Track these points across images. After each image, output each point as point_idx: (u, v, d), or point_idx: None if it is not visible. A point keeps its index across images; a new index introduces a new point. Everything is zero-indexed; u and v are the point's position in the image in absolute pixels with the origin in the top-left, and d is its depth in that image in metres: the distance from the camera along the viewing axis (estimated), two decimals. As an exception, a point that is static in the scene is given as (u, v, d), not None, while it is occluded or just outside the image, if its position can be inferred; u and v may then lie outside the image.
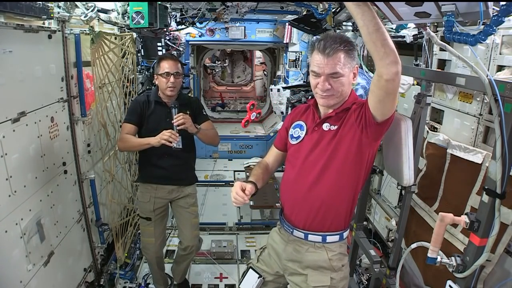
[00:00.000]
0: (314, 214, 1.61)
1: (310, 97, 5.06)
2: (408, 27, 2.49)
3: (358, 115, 1.50)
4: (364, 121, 1.47)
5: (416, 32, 2.40)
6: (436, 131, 2.28)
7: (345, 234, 1.70)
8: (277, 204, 4.22)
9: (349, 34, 3.42)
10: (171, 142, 2.20)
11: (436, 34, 1.60)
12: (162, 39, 3.61)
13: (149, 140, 2.27)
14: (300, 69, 5.79)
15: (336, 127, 1.57)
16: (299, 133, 1.68)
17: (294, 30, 5.46)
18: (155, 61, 2.59)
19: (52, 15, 2.02)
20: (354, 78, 1.56)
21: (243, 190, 1.54)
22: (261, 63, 9.05)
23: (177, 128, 2.24)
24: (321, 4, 3.06)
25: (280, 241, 1.77)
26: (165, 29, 3.57)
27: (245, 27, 5.53)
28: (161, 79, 2.35)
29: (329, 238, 1.64)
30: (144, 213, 2.59)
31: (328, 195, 1.58)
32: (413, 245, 1.84)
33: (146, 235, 2.64)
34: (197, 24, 4.34)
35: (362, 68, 3.11)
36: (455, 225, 1.91)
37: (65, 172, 2.30)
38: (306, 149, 1.62)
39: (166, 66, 2.33)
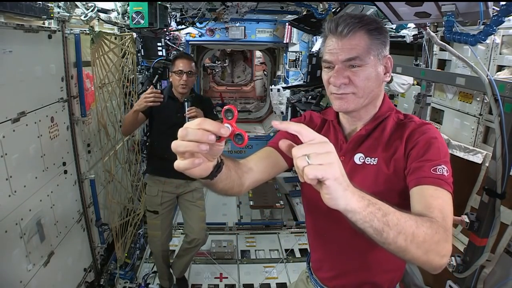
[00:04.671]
0: (348, 277, 1.19)
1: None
2: (408, 27, 2.49)
3: (411, 151, 1.00)
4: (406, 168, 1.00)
5: (416, 32, 2.40)
6: (436, 131, 2.28)
7: None
8: (277, 204, 4.22)
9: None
10: (155, 102, 2.28)
11: (436, 34, 1.60)
12: (162, 39, 3.61)
13: (134, 106, 2.36)
14: (300, 69, 5.79)
15: (375, 160, 1.05)
16: None
17: (294, 30, 5.46)
18: (171, 58, 2.66)
19: (52, 15, 2.01)
20: (387, 74, 1.06)
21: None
22: (261, 63, 9.05)
23: (189, 120, 2.30)
24: (321, 4, 3.07)
25: None
26: (165, 29, 3.57)
27: (245, 27, 5.53)
28: (175, 76, 2.46)
29: None
30: (152, 207, 2.68)
31: (368, 251, 1.12)
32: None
33: (153, 229, 2.72)
34: (197, 24, 4.34)
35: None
36: (455, 225, 1.91)
37: (65, 172, 2.30)
38: None
39: (180, 64, 2.44)
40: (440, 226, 0.81)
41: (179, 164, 0.72)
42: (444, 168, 0.93)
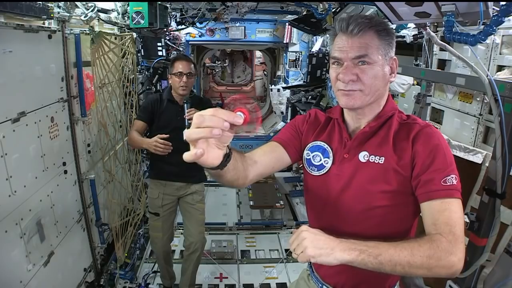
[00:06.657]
0: (348, 274, 1.20)
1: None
2: (408, 27, 2.49)
3: (417, 160, 1.02)
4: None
5: (416, 32, 2.40)
6: (436, 131, 2.28)
7: None
8: (277, 204, 4.22)
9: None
10: (163, 153, 2.34)
11: (436, 34, 1.60)
12: (162, 39, 3.61)
13: (144, 143, 2.43)
14: (300, 69, 5.80)
15: (382, 159, 1.06)
16: (321, 161, 1.17)
17: (294, 30, 5.46)
18: (170, 60, 2.67)
19: (52, 15, 2.01)
20: (392, 75, 1.10)
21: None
22: (261, 63, 9.05)
23: (189, 122, 2.34)
24: (321, 4, 3.07)
25: None
26: (165, 29, 3.57)
27: (245, 27, 5.53)
28: (174, 78, 2.47)
29: None
30: (153, 209, 2.71)
31: None
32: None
33: (154, 230, 2.76)
34: (197, 24, 4.34)
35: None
36: (455, 225, 1.91)
37: (65, 172, 2.30)
38: (335, 187, 1.12)
39: (179, 66, 2.45)
40: (444, 242, 0.89)
41: (184, 155, 0.76)
42: (453, 177, 0.98)
